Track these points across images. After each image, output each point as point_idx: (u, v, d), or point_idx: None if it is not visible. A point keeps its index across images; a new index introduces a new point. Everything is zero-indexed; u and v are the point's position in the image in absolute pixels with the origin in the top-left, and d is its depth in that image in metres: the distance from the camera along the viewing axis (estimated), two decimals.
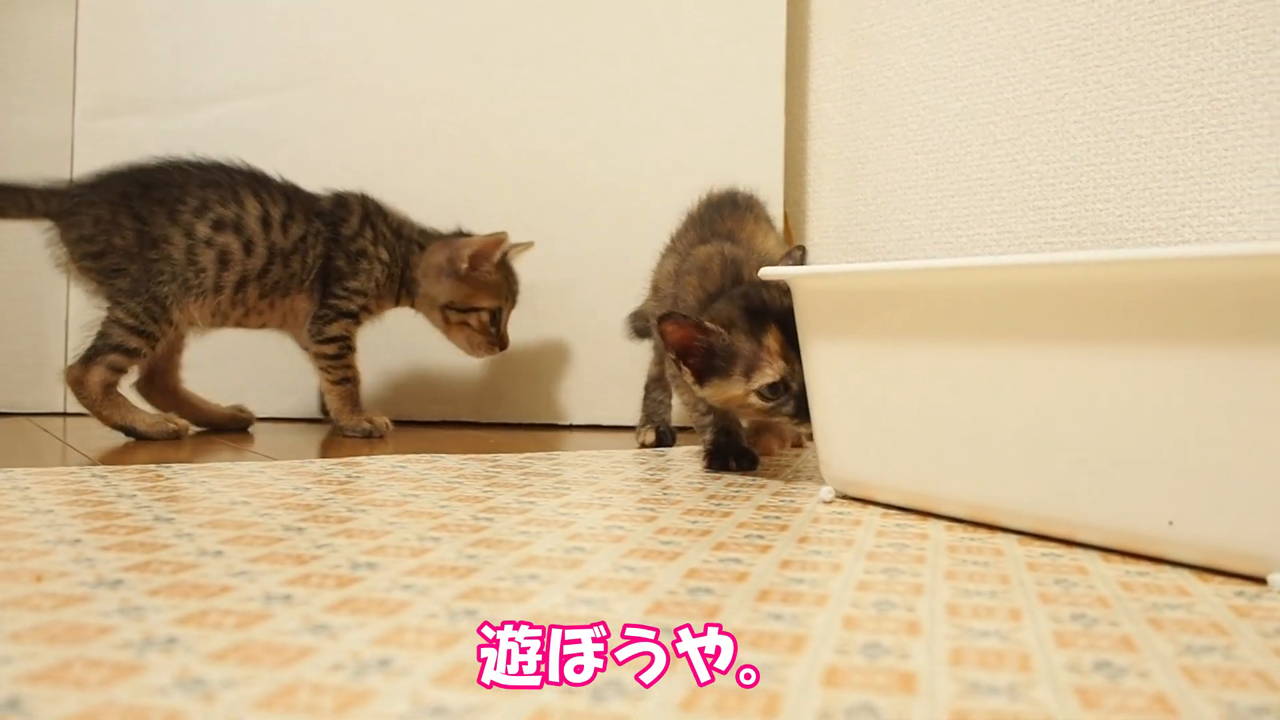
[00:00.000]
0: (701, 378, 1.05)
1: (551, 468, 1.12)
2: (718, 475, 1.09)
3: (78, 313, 1.75)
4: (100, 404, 1.37)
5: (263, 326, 1.54)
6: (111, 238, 1.39)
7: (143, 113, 1.73)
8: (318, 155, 1.70)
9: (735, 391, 1.04)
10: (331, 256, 1.50)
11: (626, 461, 1.20)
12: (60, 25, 1.74)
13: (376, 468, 1.09)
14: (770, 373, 1.02)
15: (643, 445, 1.40)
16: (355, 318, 1.52)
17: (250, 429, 1.58)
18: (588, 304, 1.71)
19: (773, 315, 1.03)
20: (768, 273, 0.96)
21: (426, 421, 1.75)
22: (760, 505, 0.89)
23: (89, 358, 1.37)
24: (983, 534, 0.78)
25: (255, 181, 1.49)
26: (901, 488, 0.88)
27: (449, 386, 1.75)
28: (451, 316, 1.56)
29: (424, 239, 1.57)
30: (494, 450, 1.31)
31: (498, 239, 1.52)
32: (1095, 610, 0.57)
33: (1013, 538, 0.77)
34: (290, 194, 1.51)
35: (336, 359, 1.50)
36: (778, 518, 0.84)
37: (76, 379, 1.37)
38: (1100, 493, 0.71)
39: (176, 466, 1.07)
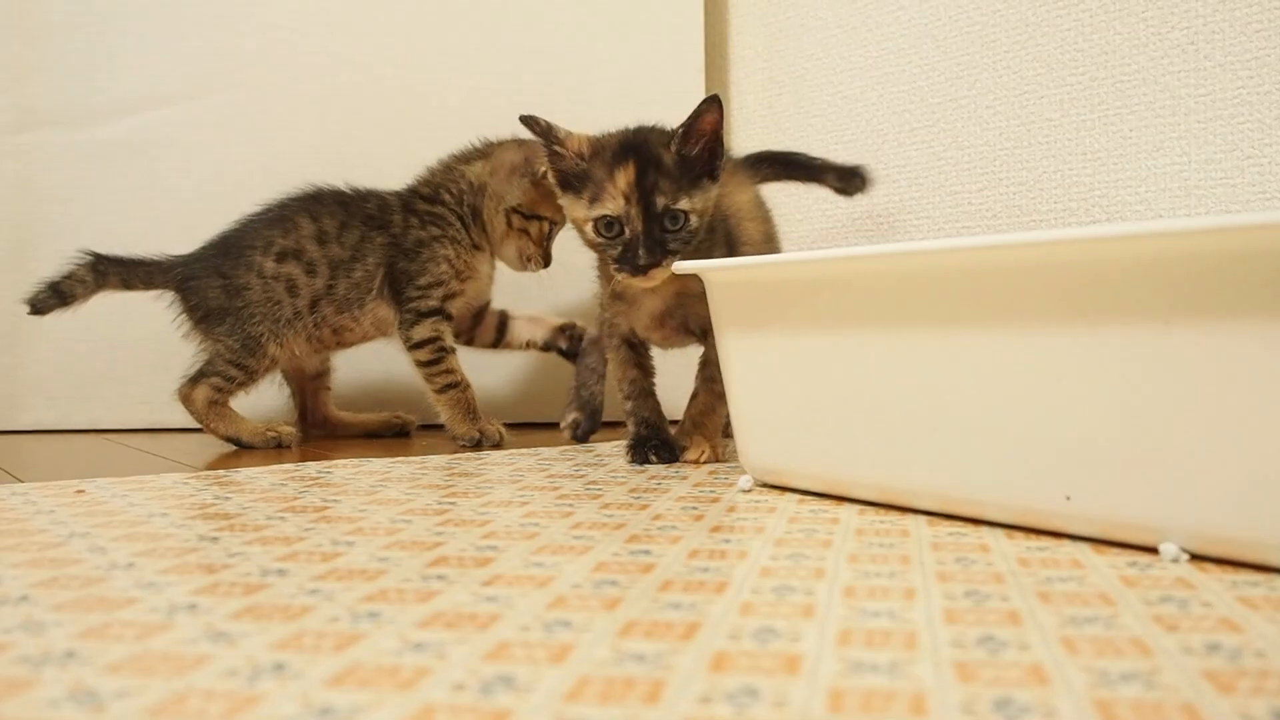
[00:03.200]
0: (563, 187, 1.11)
1: (478, 467, 1.13)
2: (641, 469, 1.10)
3: (2, 333, 1.73)
4: (206, 417, 1.43)
5: (365, 340, 1.52)
6: (207, 299, 1.45)
7: (59, 125, 1.71)
8: (238, 160, 1.69)
9: (579, 214, 1.08)
10: (394, 260, 1.45)
11: (554, 459, 1.21)
12: None
13: (302, 474, 1.09)
14: (610, 206, 1.04)
15: (565, 429, 1.43)
16: (440, 314, 1.45)
17: (410, 433, 1.61)
18: (530, 297, 1.72)
19: (640, 155, 1.04)
20: (682, 267, 0.97)
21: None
22: (679, 497, 0.91)
23: (195, 377, 1.44)
24: (894, 516, 0.80)
25: (310, 201, 1.48)
26: (816, 474, 0.89)
27: (391, 390, 1.74)
28: (515, 221, 1.48)
29: (468, 157, 1.51)
30: (424, 452, 1.31)
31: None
32: (989, 586, 0.58)
33: (923, 519, 0.78)
34: (347, 201, 1.49)
35: (432, 365, 1.44)
36: (695, 508, 0.85)
37: (185, 395, 1.44)
38: (1002, 471, 0.73)
39: (101, 481, 1.06)
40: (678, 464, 1.12)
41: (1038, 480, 0.71)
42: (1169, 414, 0.63)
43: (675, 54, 1.75)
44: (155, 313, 1.64)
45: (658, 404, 1.19)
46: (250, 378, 1.44)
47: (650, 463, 1.13)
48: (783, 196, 1.73)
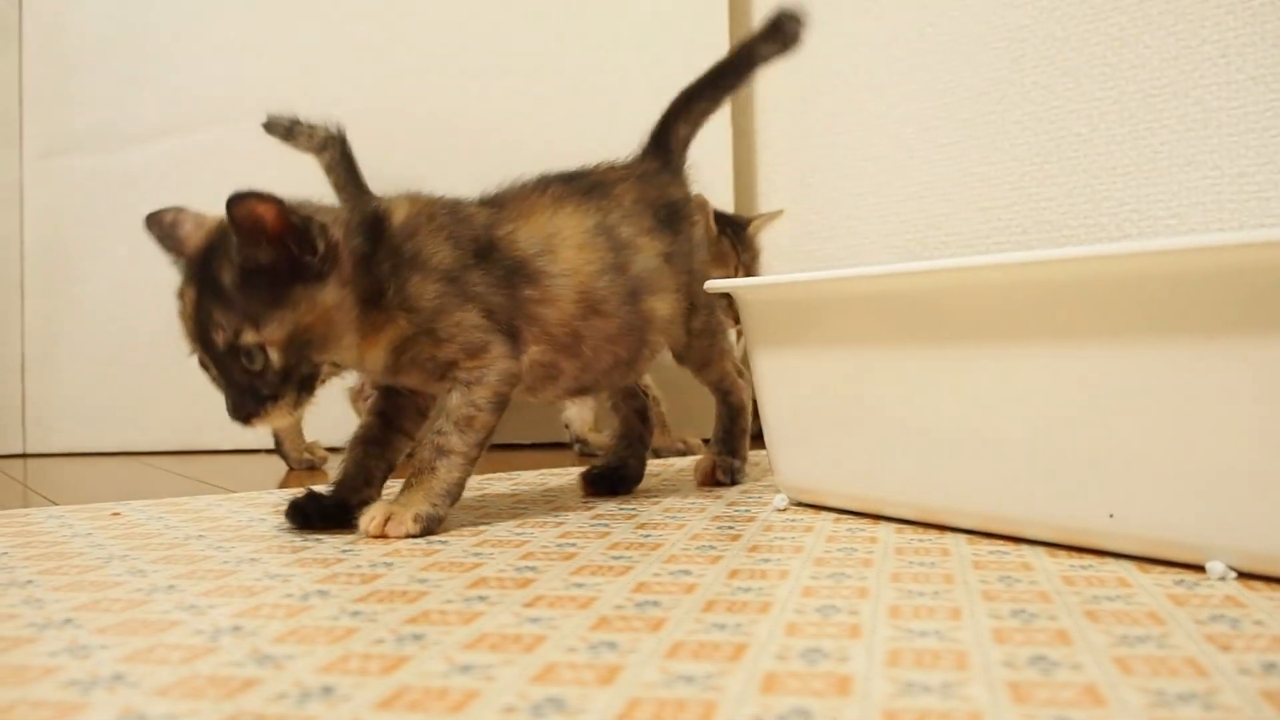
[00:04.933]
0: None
1: (510, 488, 1.13)
2: (695, 492, 1.09)
3: (33, 355, 1.74)
4: None
5: None
6: None
7: (91, 150, 1.73)
8: (266, 185, 1.70)
9: None
10: None
11: None
12: (5, 67, 1.74)
13: None
14: (188, 344, 0.84)
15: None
16: None
17: None
18: None
19: (198, 276, 0.82)
20: (713, 285, 0.97)
21: None
22: (715, 516, 0.90)
23: None
24: (933, 535, 0.79)
25: None
26: (852, 492, 0.88)
27: None
28: None
29: None
30: None
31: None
32: (1035, 605, 0.58)
33: (962, 537, 0.78)
34: None
35: None
36: (731, 528, 0.84)
37: None
38: (1043, 488, 0.72)
39: (135, 504, 1.07)
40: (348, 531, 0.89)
41: (1080, 498, 0.70)
42: (1213, 429, 0.63)
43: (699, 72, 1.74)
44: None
45: (374, 458, 0.95)
46: None
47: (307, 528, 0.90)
48: (810, 214, 1.73)
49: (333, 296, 0.84)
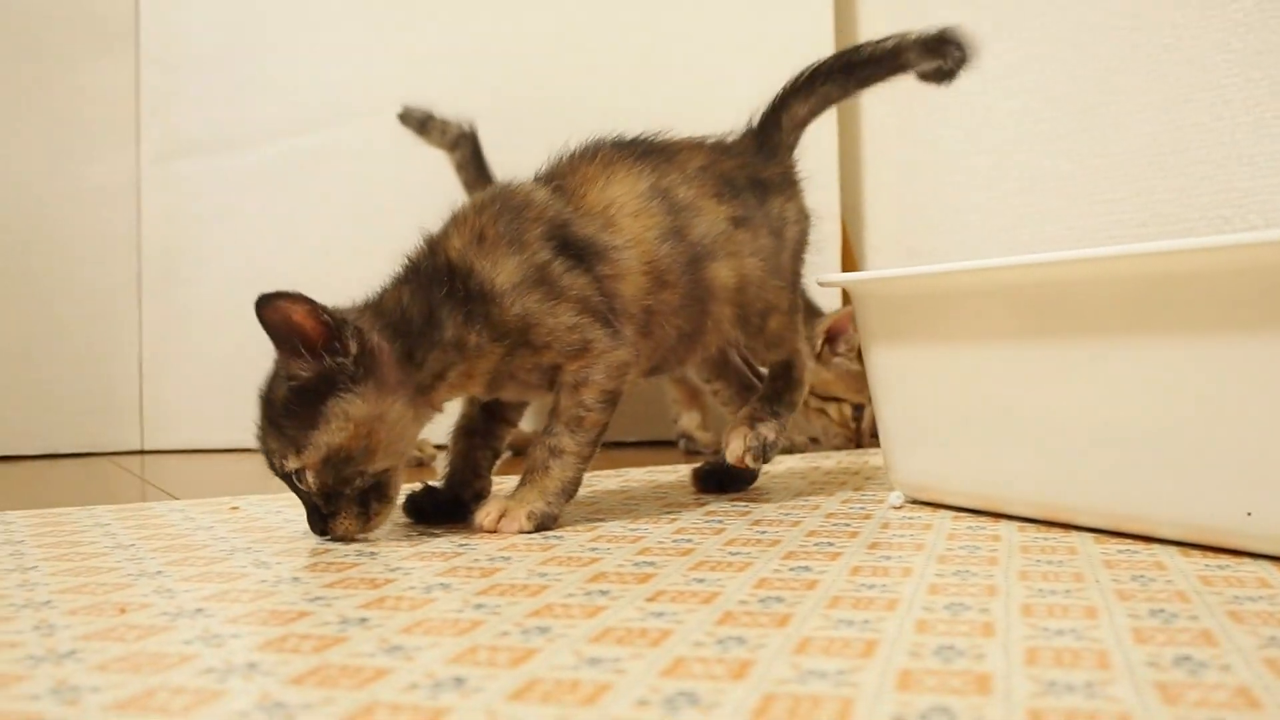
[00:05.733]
0: None
1: (621, 485, 1.13)
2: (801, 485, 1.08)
3: (150, 355, 1.79)
4: None
5: None
6: None
7: (205, 153, 1.77)
8: (378, 185, 1.73)
9: None
10: None
11: None
12: (122, 71, 1.78)
13: None
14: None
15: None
16: None
17: None
18: None
19: (261, 405, 0.84)
20: (826, 280, 0.96)
21: None
22: (830, 513, 0.89)
23: None
24: (1056, 533, 0.77)
25: None
26: (972, 490, 0.87)
27: None
28: (811, 402, 1.36)
29: None
30: None
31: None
32: (1174, 605, 0.56)
33: (1087, 536, 0.76)
34: None
35: None
36: (847, 525, 0.83)
37: None
38: (1175, 486, 0.70)
39: (253, 498, 1.09)
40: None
41: (1215, 496, 0.68)
42: None
43: (804, 57, 1.73)
44: None
45: (479, 449, 0.96)
46: None
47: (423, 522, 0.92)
48: (916, 209, 1.70)
49: (368, 408, 0.80)
